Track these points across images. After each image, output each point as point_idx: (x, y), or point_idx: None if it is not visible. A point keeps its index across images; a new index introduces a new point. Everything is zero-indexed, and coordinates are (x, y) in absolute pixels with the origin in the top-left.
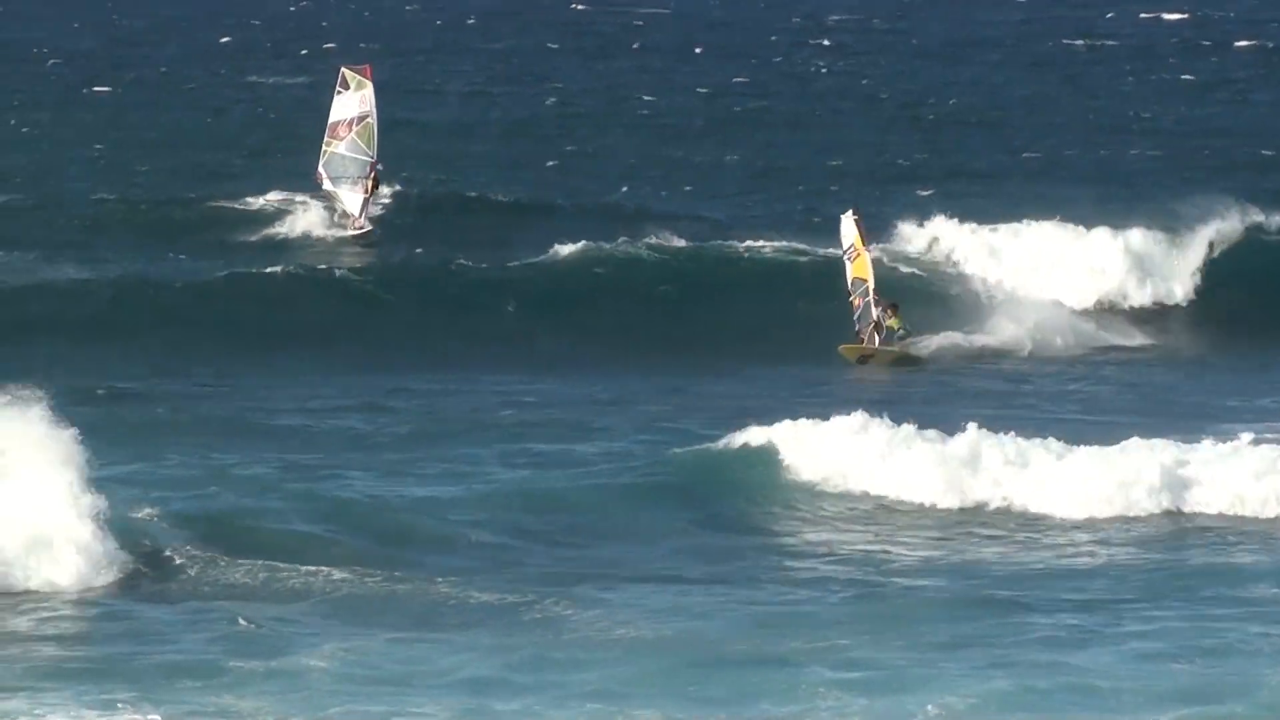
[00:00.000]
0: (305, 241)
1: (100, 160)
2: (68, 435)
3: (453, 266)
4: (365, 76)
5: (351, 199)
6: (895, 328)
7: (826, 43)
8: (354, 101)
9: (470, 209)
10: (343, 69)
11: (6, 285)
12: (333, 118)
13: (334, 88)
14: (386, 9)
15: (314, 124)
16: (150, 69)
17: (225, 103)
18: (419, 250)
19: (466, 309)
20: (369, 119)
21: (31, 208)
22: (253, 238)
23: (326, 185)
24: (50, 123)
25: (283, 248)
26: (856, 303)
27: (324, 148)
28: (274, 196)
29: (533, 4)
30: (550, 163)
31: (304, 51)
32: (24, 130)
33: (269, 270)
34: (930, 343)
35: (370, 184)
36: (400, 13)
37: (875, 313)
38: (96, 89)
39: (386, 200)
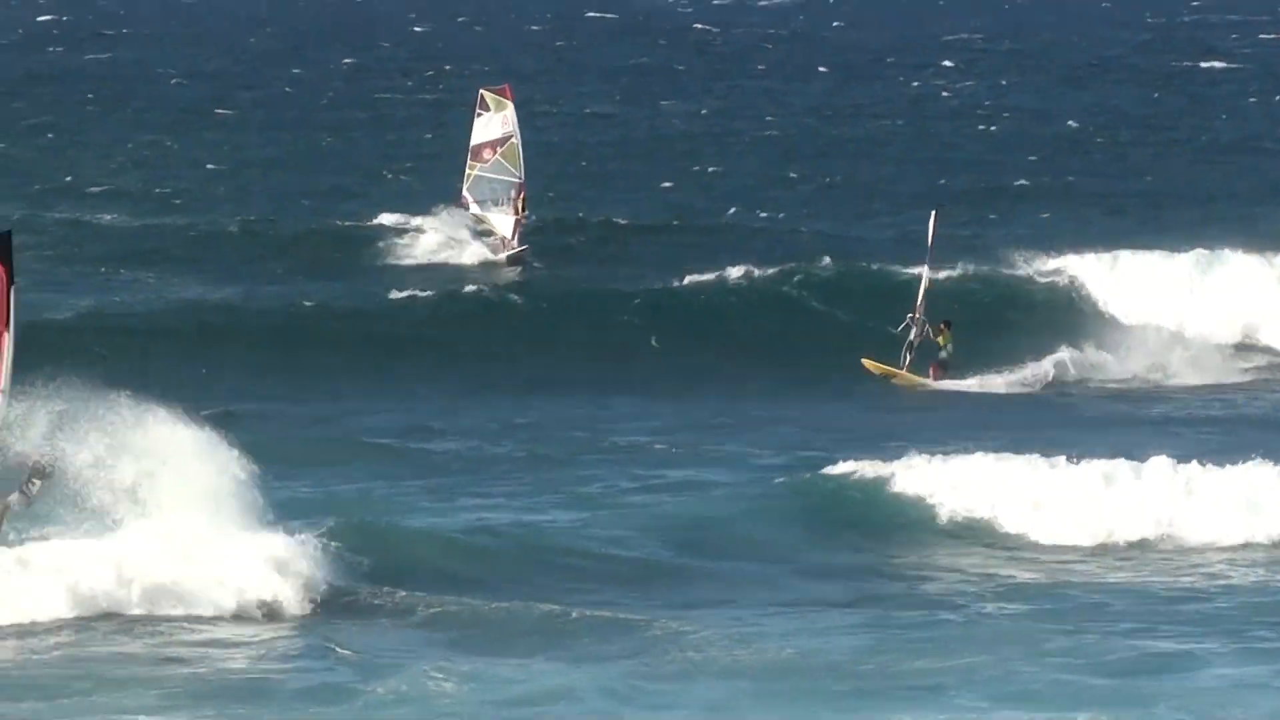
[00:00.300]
0: (426, 261)
1: (221, 180)
2: (224, 455)
3: (577, 288)
4: (505, 97)
5: (502, 221)
6: (942, 345)
7: (948, 63)
8: (495, 123)
9: (593, 229)
10: (482, 90)
11: (126, 304)
12: (475, 140)
13: (463, 107)
14: (509, 29)
15: (436, 144)
16: (274, 89)
17: (347, 123)
18: (541, 269)
19: (591, 330)
20: (513, 139)
21: (152, 227)
22: (373, 257)
23: (473, 209)
24: (172, 143)
25: (403, 268)
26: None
27: (467, 171)
28: (395, 216)
29: (655, 26)
30: (671, 183)
31: (429, 72)
32: (145, 153)
33: (389, 290)
34: (1045, 368)
35: (520, 204)
36: (522, 33)
37: (914, 332)
38: (219, 110)
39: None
